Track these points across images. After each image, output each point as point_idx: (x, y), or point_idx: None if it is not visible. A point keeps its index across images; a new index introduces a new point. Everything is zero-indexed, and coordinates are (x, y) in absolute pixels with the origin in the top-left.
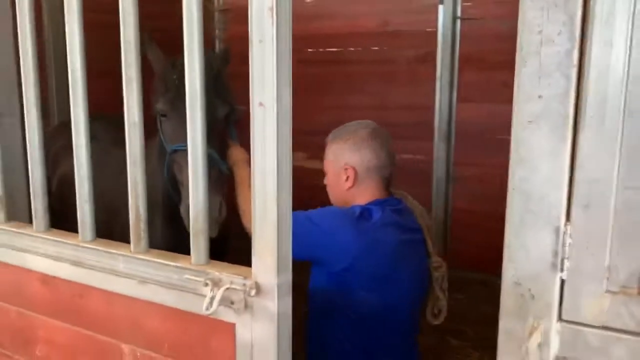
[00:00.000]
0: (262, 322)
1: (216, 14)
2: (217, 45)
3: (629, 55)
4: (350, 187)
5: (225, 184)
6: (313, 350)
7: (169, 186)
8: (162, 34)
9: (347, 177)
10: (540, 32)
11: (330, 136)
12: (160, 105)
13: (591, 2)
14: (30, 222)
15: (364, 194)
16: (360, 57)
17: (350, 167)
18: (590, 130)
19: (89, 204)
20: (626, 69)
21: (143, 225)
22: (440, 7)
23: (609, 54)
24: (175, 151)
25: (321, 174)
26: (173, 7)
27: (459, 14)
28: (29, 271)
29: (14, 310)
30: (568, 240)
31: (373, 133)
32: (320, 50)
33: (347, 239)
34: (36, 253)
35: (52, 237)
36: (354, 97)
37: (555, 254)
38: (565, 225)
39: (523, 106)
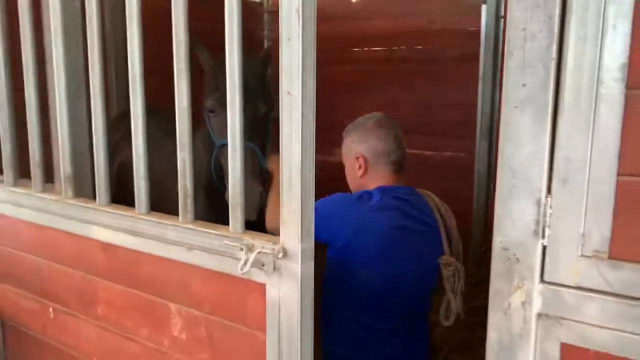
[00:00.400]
0: (288, 283)
1: (265, 15)
2: (266, 44)
3: (600, 49)
4: (363, 174)
5: (264, 177)
6: (323, 331)
7: (215, 176)
8: (206, 35)
9: (360, 166)
10: (524, 29)
11: (344, 133)
12: (209, 103)
13: (568, 3)
14: (94, 198)
15: (375, 180)
16: (405, 56)
17: (360, 156)
18: (567, 115)
19: (144, 181)
20: (597, 60)
21: (190, 200)
22: (484, 7)
23: (583, 48)
24: (223, 145)
25: None
26: (215, 9)
27: (502, 13)
28: (92, 240)
29: (79, 275)
30: (549, 211)
31: (378, 122)
32: (366, 49)
33: (343, 220)
34: (99, 224)
35: (112, 210)
36: (398, 95)
37: (537, 222)
38: (546, 197)
39: (510, 93)
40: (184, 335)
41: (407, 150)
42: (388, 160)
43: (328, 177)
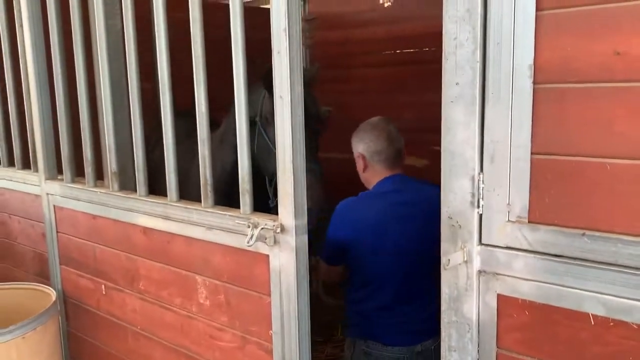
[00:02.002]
0: (286, 253)
1: (302, 23)
2: (304, 52)
3: (513, 53)
4: (364, 170)
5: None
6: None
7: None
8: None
9: (361, 163)
10: (455, 38)
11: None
12: (267, 111)
13: (488, 16)
14: (135, 190)
15: (375, 174)
16: (434, 57)
17: (360, 155)
18: (491, 106)
19: (174, 174)
20: (511, 62)
21: (209, 188)
22: None
23: (500, 52)
24: None
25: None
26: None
27: None
28: (134, 225)
29: (124, 255)
30: (481, 185)
31: (372, 125)
32: (397, 51)
33: (345, 227)
34: (139, 212)
35: (150, 199)
36: (428, 94)
37: (473, 195)
38: (479, 174)
39: (446, 90)
40: (208, 302)
41: (435, 148)
42: (381, 158)
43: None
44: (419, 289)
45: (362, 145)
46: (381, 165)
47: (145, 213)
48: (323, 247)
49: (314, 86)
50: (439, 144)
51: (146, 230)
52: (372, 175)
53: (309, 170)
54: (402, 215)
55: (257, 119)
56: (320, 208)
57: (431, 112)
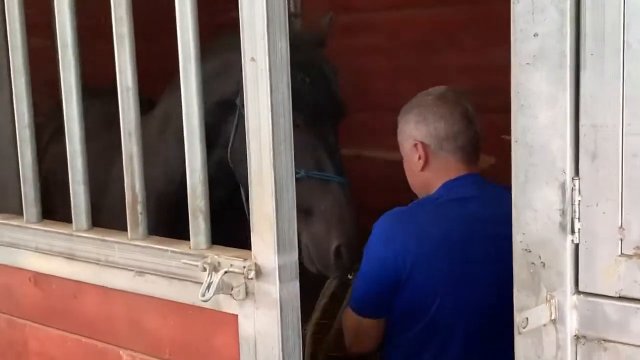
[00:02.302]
0: (264, 311)
1: None
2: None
3: None
4: (424, 167)
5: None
6: None
7: None
8: None
9: (419, 156)
10: None
11: (399, 116)
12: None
13: None
14: (20, 214)
15: (442, 173)
16: None
17: (419, 143)
18: (591, 69)
19: (82, 186)
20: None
21: (140, 208)
22: None
23: None
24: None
25: None
26: None
27: None
28: (19, 270)
29: (4, 319)
30: (577, 198)
31: (440, 97)
32: None
33: (396, 244)
34: (26, 248)
35: (45, 228)
36: (494, 52)
37: (563, 213)
38: (573, 180)
39: (519, 46)
40: None
41: (507, 137)
42: (456, 146)
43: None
44: (494, 351)
45: (423, 128)
46: (455, 157)
47: (36, 250)
48: (355, 287)
49: (325, 47)
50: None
51: (39, 278)
52: (437, 173)
53: (328, 187)
54: (490, 236)
55: (237, 100)
56: (352, 253)
57: (498, 80)
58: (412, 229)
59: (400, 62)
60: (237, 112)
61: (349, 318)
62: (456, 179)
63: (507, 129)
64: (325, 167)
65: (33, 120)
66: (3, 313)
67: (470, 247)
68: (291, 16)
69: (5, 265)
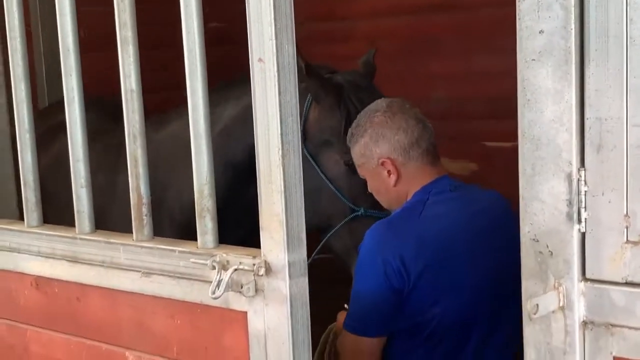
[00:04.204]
0: (274, 307)
1: None
2: None
3: None
4: (397, 181)
5: None
6: None
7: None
8: None
9: (389, 172)
10: None
11: (347, 140)
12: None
13: None
14: (21, 219)
15: (414, 181)
16: None
17: (386, 160)
18: (595, 64)
19: (86, 189)
20: None
21: (146, 210)
22: None
23: None
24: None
25: None
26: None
27: None
28: (20, 275)
29: (5, 324)
30: (583, 188)
31: (388, 111)
32: None
33: (395, 251)
34: (28, 252)
35: (45, 232)
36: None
37: (570, 203)
38: (579, 171)
39: (525, 43)
40: None
41: (489, 144)
42: (420, 152)
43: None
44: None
45: (385, 145)
46: (423, 162)
47: (39, 254)
48: (351, 308)
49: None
50: (495, 138)
51: (41, 282)
52: (412, 182)
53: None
54: (480, 231)
55: None
56: None
57: (481, 87)
58: (407, 235)
59: (381, 71)
60: None
61: (347, 342)
62: (432, 183)
63: (488, 136)
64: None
65: (34, 124)
66: (3, 318)
67: (468, 245)
68: None
69: (6, 270)
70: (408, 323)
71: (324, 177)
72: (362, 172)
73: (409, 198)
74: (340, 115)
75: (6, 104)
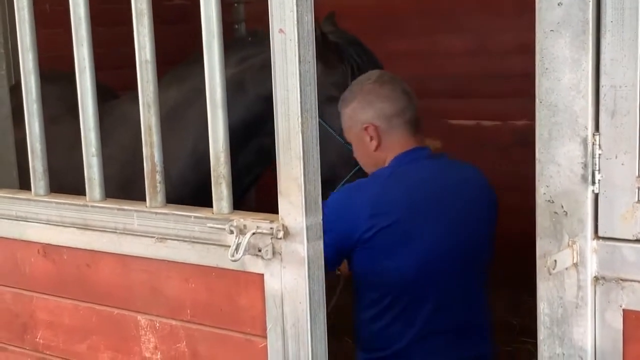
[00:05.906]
0: (291, 269)
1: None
2: None
3: None
4: (377, 147)
5: None
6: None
7: None
8: None
9: (371, 137)
10: None
11: (339, 104)
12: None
13: None
14: (28, 188)
15: (393, 149)
16: None
17: (369, 125)
18: (611, 34)
19: (96, 158)
20: None
21: (159, 177)
22: None
23: None
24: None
25: None
26: None
27: None
28: (27, 243)
29: (9, 292)
30: (597, 151)
31: (378, 80)
32: None
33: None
34: (35, 221)
35: (55, 200)
36: (440, 38)
37: (585, 166)
38: (594, 135)
39: (544, 15)
40: (158, 356)
41: (453, 122)
42: (403, 121)
43: None
44: (465, 308)
45: (370, 111)
46: (404, 132)
47: (48, 222)
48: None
49: None
50: (458, 116)
51: (48, 250)
52: (391, 150)
53: None
54: (453, 195)
55: None
56: None
57: (445, 66)
58: (368, 196)
59: None
60: None
61: None
62: (409, 151)
63: (452, 113)
64: None
65: (40, 94)
66: (8, 286)
67: (433, 207)
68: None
69: (11, 239)
70: (367, 272)
71: (331, 131)
72: (348, 135)
73: (386, 165)
74: (344, 69)
75: (6, 74)
